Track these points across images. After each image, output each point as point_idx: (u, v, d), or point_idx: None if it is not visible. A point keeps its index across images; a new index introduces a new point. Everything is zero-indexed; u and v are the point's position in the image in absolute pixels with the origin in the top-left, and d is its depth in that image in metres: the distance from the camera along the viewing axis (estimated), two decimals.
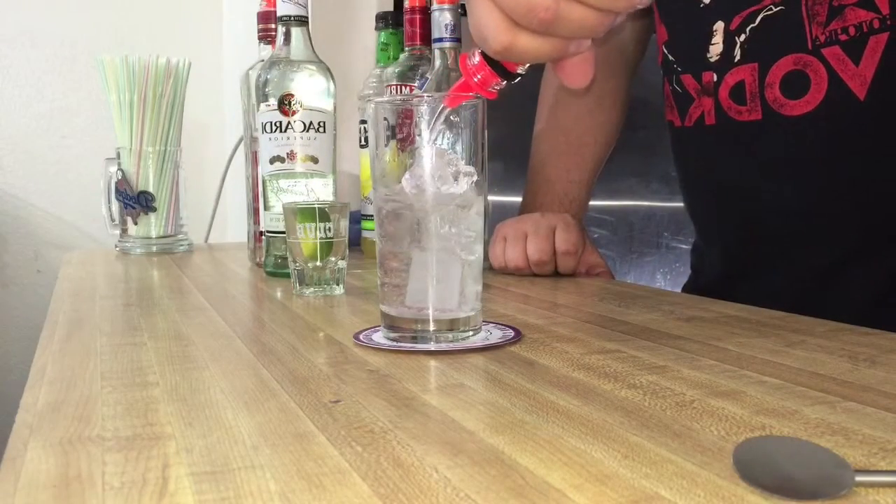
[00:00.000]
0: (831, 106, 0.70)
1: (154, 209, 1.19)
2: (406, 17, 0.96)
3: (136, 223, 1.19)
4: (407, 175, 0.52)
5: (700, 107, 0.81)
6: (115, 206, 1.21)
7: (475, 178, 0.53)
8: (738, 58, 0.75)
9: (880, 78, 0.67)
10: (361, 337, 0.56)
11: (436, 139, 0.52)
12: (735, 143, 0.78)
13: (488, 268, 0.89)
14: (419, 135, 0.52)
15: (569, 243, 0.86)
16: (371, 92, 1.07)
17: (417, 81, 0.94)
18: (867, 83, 0.67)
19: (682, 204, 0.96)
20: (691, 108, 0.82)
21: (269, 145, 0.87)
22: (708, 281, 0.90)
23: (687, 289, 0.96)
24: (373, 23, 1.11)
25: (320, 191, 0.88)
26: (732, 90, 0.76)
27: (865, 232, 0.74)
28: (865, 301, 0.74)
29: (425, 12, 0.94)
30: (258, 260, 0.98)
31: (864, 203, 0.73)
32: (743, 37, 0.72)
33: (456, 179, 0.53)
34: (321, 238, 0.75)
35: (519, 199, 1.03)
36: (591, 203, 1.03)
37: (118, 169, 1.19)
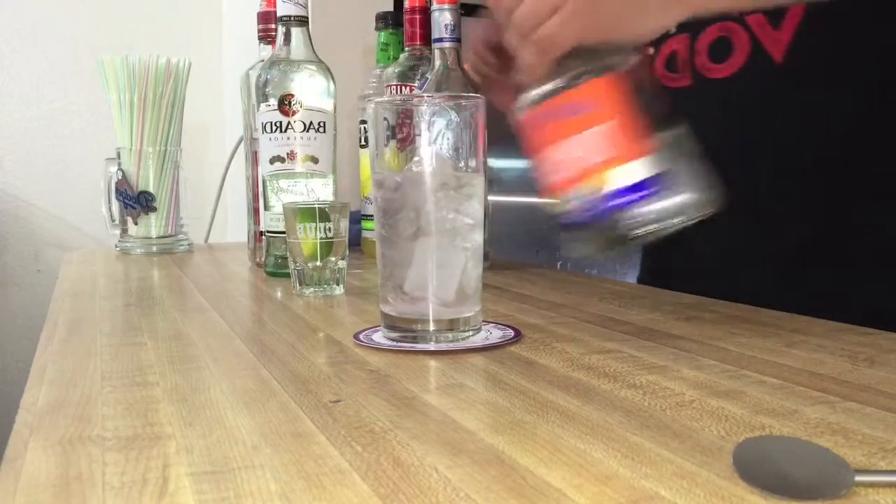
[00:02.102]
0: (751, 68, 0.75)
1: (154, 209, 1.19)
2: (406, 17, 0.96)
3: (136, 223, 1.19)
4: (409, 165, 0.52)
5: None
6: (116, 206, 1.21)
7: (475, 166, 0.53)
8: (673, 30, 0.78)
9: (796, 42, 0.71)
10: (361, 337, 0.56)
11: (436, 139, 0.52)
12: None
13: (489, 266, 0.89)
14: (419, 134, 0.52)
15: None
16: (371, 92, 1.07)
17: (417, 81, 0.94)
18: (784, 47, 0.72)
19: None
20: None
21: (269, 145, 0.87)
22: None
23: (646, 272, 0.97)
24: (373, 23, 1.11)
25: (320, 191, 0.88)
26: (667, 60, 0.82)
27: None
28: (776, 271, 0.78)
29: (425, 12, 0.94)
30: (258, 260, 0.98)
31: (784, 160, 0.77)
32: None
33: (456, 169, 0.53)
34: (321, 238, 0.75)
35: (519, 199, 1.03)
36: None
37: (118, 169, 1.19)
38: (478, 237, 0.54)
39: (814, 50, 0.71)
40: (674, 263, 0.87)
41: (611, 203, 0.53)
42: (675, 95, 0.80)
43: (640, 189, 0.52)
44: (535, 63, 0.58)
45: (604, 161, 0.53)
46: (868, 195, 0.73)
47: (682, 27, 0.76)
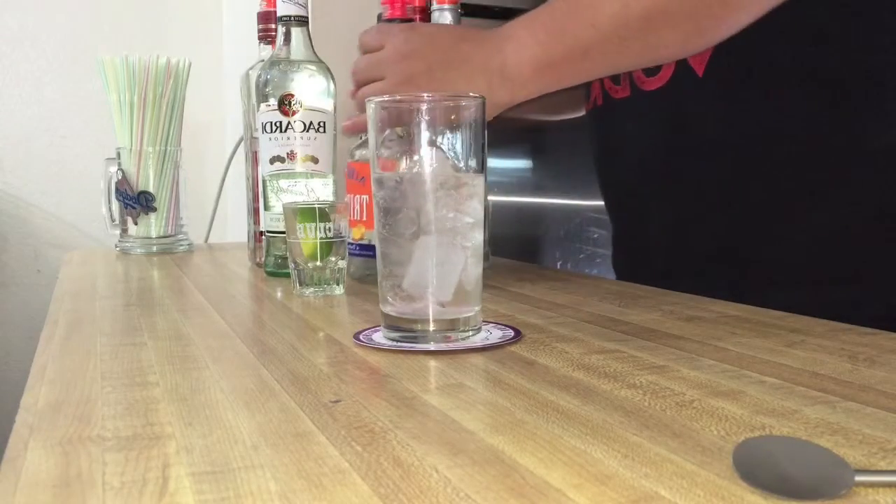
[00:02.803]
0: (677, 81, 0.78)
1: (154, 209, 1.19)
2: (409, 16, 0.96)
3: (136, 223, 1.19)
4: (408, 163, 0.53)
5: (593, 91, 0.91)
6: (116, 206, 1.21)
7: (476, 166, 0.54)
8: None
9: (715, 57, 0.75)
10: (361, 337, 0.56)
11: (436, 139, 0.52)
12: (614, 121, 0.88)
13: (489, 266, 0.89)
14: (418, 133, 0.52)
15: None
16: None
17: None
18: (705, 62, 0.76)
19: None
20: (591, 94, 0.92)
21: (269, 145, 0.87)
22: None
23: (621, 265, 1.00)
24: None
25: (320, 191, 0.88)
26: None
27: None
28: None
29: (425, 12, 0.94)
30: (258, 260, 0.98)
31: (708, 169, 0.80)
32: None
33: (456, 169, 0.53)
34: (321, 238, 0.75)
35: (519, 199, 1.03)
36: (591, 203, 1.03)
37: (118, 169, 1.19)
38: (478, 236, 0.54)
39: (730, 64, 0.75)
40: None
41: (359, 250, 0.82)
42: (619, 105, 0.86)
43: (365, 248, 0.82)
44: (353, 117, 0.72)
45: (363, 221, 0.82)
46: (786, 199, 0.76)
47: None
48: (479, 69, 0.75)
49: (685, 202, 0.83)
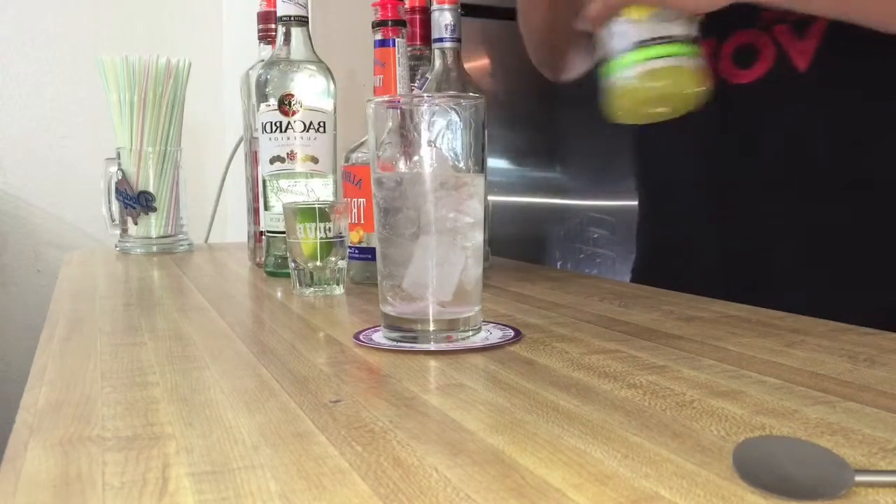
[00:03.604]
0: (775, 76, 0.76)
1: (154, 209, 1.19)
2: (406, 17, 0.96)
3: (136, 223, 1.19)
4: (409, 163, 0.53)
5: None
6: (116, 206, 1.21)
7: (475, 166, 0.54)
8: None
9: (821, 52, 0.73)
10: (361, 337, 0.56)
11: (436, 139, 0.52)
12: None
13: (489, 266, 0.89)
14: (418, 133, 0.52)
15: None
16: None
17: (417, 81, 0.94)
18: (810, 55, 0.73)
19: None
20: None
21: (269, 145, 0.87)
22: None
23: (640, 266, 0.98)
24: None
25: (320, 191, 0.88)
26: None
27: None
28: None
29: (425, 12, 0.94)
30: (258, 260, 0.98)
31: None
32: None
33: (456, 169, 0.53)
34: (321, 238, 0.75)
35: (518, 199, 1.03)
36: (591, 203, 1.03)
37: (118, 169, 1.19)
38: (478, 236, 0.54)
39: (838, 60, 0.72)
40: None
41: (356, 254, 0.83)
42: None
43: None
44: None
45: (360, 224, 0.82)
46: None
47: (709, 31, 0.76)
48: None
49: (764, 207, 0.79)
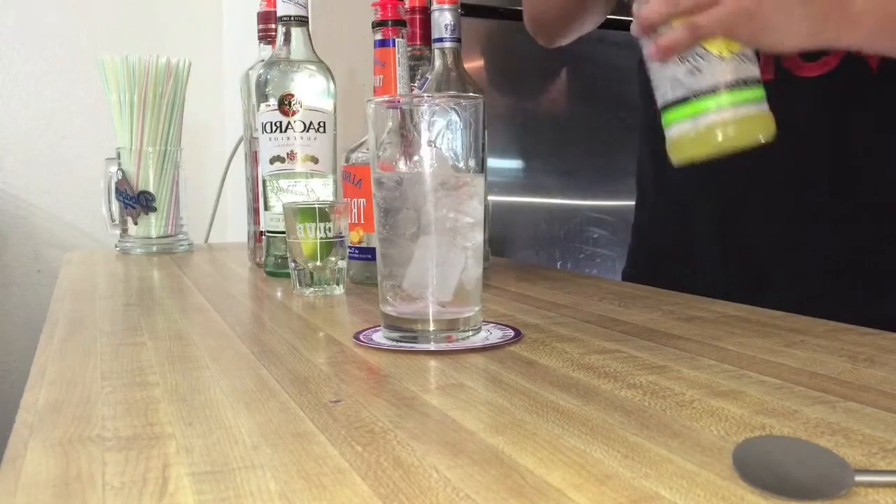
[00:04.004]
0: (845, 71, 0.73)
1: (154, 209, 1.19)
2: (406, 17, 0.96)
3: (136, 223, 1.19)
4: (409, 162, 0.53)
5: None
6: (116, 206, 1.21)
7: (475, 166, 0.54)
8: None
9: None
10: (361, 337, 0.56)
11: (436, 139, 0.52)
12: None
13: (489, 266, 0.89)
14: (418, 133, 0.52)
15: None
16: None
17: (417, 81, 0.94)
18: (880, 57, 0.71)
19: None
20: None
21: (269, 145, 0.87)
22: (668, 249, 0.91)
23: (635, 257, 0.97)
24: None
25: (320, 191, 0.88)
26: None
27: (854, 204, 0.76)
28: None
29: (425, 12, 0.94)
30: (258, 260, 0.98)
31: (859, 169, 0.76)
32: None
33: (456, 169, 0.53)
34: (321, 238, 0.75)
35: (518, 199, 1.03)
36: (591, 203, 1.03)
37: (118, 169, 1.19)
38: (478, 236, 0.54)
39: None
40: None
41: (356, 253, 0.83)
42: None
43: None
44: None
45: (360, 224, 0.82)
46: None
47: None
48: None
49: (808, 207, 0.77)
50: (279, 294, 0.79)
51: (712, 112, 0.58)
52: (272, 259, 0.90)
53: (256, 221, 1.00)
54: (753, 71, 0.59)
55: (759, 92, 0.59)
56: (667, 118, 0.61)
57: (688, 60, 0.59)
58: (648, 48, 0.60)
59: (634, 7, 0.61)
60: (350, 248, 0.82)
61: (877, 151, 0.74)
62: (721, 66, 0.58)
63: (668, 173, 0.85)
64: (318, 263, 0.76)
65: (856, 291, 0.75)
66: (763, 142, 0.58)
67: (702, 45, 0.58)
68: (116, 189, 1.20)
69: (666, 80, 0.60)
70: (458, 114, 0.53)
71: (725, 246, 0.82)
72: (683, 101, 0.59)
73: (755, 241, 0.80)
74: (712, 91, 0.58)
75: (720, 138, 0.58)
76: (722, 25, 0.57)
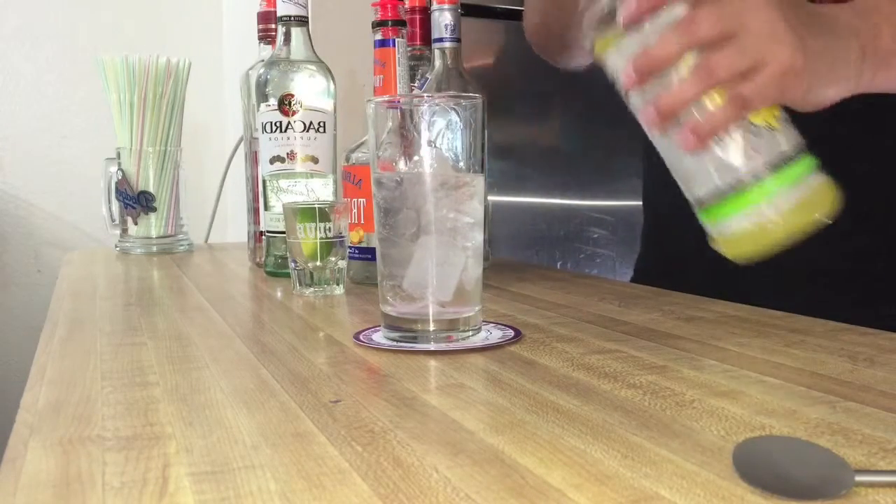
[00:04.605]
0: None
1: (154, 209, 1.19)
2: (406, 17, 0.96)
3: (136, 223, 1.19)
4: (409, 162, 0.53)
5: None
6: (116, 206, 1.21)
7: (475, 166, 0.54)
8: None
9: None
10: (361, 337, 0.56)
11: (436, 139, 0.53)
12: None
13: (489, 266, 0.89)
14: (418, 133, 0.52)
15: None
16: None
17: (417, 81, 0.94)
18: None
19: None
20: None
21: (269, 145, 0.87)
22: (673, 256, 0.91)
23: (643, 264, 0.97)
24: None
25: (320, 191, 0.88)
26: None
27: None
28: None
29: (425, 12, 0.94)
30: (258, 260, 0.98)
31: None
32: None
33: (456, 169, 0.53)
34: (321, 238, 0.75)
35: (518, 199, 1.03)
36: (591, 203, 1.02)
37: (118, 169, 1.19)
38: (478, 236, 0.54)
39: None
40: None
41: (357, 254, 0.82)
42: None
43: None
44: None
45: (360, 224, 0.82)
46: None
47: None
48: (850, 37, 0.55)
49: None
50: (279, 294, 0.79)
51: (779, 195, 0.48)
52: (272, 259, 0.90)
53: (256, 221, 1.00)
54: (797, 135, 0.50)
55: (811, 157, 0.50)
56: (715, 213, 0.51)
57: (732, 141, 0.49)
58: (673, 136, 0.50)
59: (636, 96, 0.51)
60: (350, 248, 0.82)
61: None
62: (774, 139, 0.49)
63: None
64: (318, 263, 0.76)
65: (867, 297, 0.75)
66: (834, 211, 0.50)
67: (747, 119, 0.49)
68: (116, 189, 1.20)
69: (703, 169, 0.50)
70: (458, 114, 0.53)
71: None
72: (735, 190, 0.49)
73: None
74: (772, 170, 0.48)
75: (796, 221, 0.48)
76: (772, 91, 0.49)
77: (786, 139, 0.50)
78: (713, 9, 0.50)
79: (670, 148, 0.52)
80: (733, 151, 0.49)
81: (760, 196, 0.49)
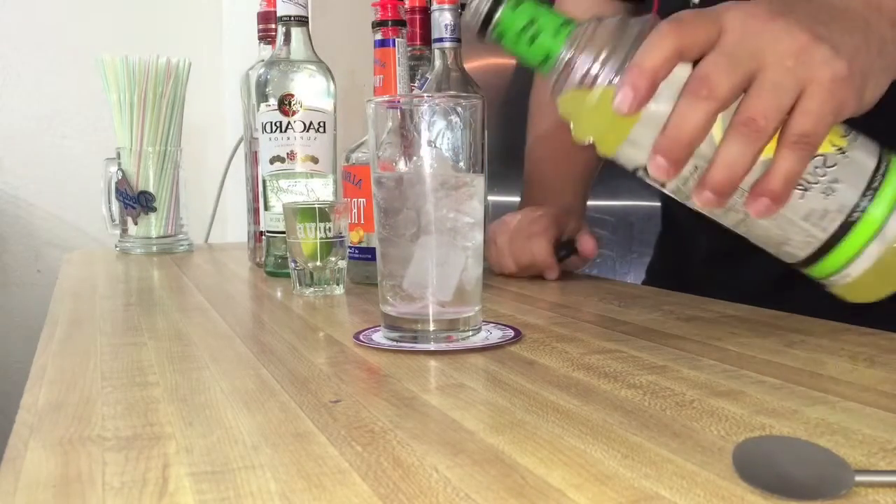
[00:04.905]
0: None
1: (154, 209, 1.19)
2: (406, 17, 0.96)
3: (136, 223, 1.19)
4: (409, 162, 0.53)
5: None
6: (116, 206, 1.21)
7: (475, 166, 0.54)
8: None
9: None
10: (361, 337, 0.56)
11: (436, 139, 0.53)
12: None
13: (488, 269, 0.89)
14: (418, 133, 0.52)
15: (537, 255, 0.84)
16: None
17: (417, 81, 0.94)
18: None
19: None
20: None
21: (269, 145, 0.87)
22: (682, 266, 0.91)
23: (653, 273, 0.98)
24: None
25: (320, 191, 0.88)
26: None
27: None
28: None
29: (425, 12, 0.94)
30: (258, 260, 0.98)
31: None
32: None
33: (456, 169, 0.53)
34: (321, 238, 0.75)
35: (518, 199, 1.03)
36: (591, 203, 1.03)
37: (118, 169, 1.19)
38: (478, 236, 0.54)
39: None
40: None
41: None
42: None
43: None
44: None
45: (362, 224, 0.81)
46: None
47: None
48: (867, 19, 0.48)
49: None
50: (279, 294, 0.79)
51: (892, 215, 0.44)
52: (272, 259, 0.90)
53: (256, 221, 1.00)
54: (871, 142, 0.46)
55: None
56: (828, 266, 0.46)
57: (812, 185, 0.44)
58: (745, 209, 0.44)
59: (673, 183, 0.46)
60: (350, 248, 0.82)
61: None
62: (854, 161, 0.44)
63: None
64: (318, 263, 0.76)
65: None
66: None
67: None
68: (116, 189, 1.20)
69: (795, 228, 0.45)
70: (458, 114, 0.53)
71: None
72: (842, 234, 0.44)
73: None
74: (870, 194, 0.43)
75: None
76: (828, 112, 0.43)
77: (865, 153, 0.44)
78: (719, 58, 0.43)
79: (746, 222, 0.47)
80: (818, 195, 0.44)
81: (872, 227, 0.43)
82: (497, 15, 0.49)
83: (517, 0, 0.49)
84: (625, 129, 0.45)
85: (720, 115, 0.43)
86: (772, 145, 0.43)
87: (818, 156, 0.43)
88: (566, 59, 0.47)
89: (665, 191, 0.48)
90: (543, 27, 0.48)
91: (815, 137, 0.43)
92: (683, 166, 0.44)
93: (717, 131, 0.43)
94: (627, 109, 0.43)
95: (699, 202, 0.45)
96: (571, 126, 0.48)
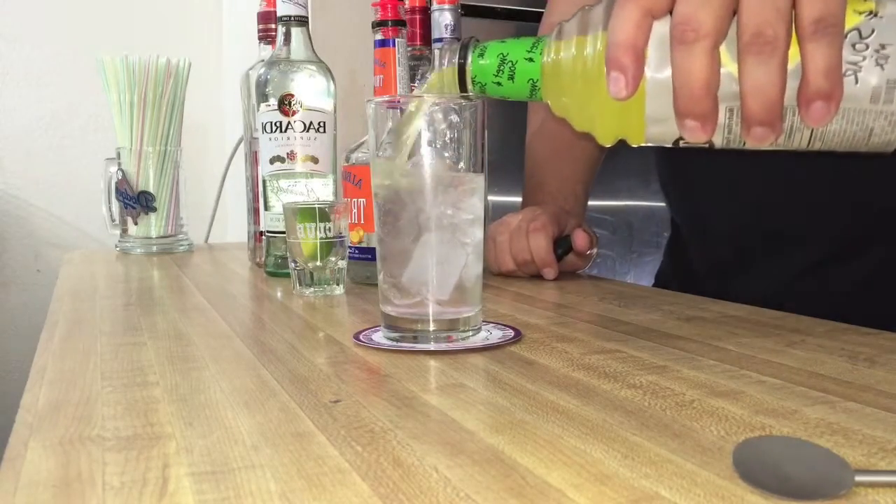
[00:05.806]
0: None
1: (154, 209, 1.19)
2: (406, 17, 0.96)
3: (136, 223, 1.19)
4: (409, 161, 0.53)
5: None
6: (116, 206, 1.21)
7: (475, 166, 0.54)
8: None
9: None
10: (361, 337, 0.56)
11: (436, 139, 0.53)
12: None
13: (487, 269, 0.89)
14: (419, 134, 0.52)
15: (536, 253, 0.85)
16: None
17: (417, 81, 0.94)
18: None
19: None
20: None
21: (269, 145, 0.87)
22: (688, 273, 0.92)
23: (664, 279, 0.98)
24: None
25: (320, 191, 0.88)
26: None
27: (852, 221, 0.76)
28: (841, 294, 0.77)
29: (425, 12, 0.94)
30: (258, 260, 0.98)
31: (847, 193, 0.75)
32: None
33: (457, 169, 0.53)
34: (321, 238, 0.75)
35: (518, 199, 1.03)
36: (591, 203, 1.03)
37: (118, 169, 1.19)
38: (478, 233, 0.54)
39: None
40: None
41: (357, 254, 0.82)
42: None
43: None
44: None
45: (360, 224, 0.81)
46: None
47: None
48: None
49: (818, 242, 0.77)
50: (279, 294, 0.79)
51: None
52: (272, 259, 0.90)
53: (256, 221, 1.01)
54: None
55: None
56: None
57: (861, 63, 0.39)
58: (803, 124, 0.41)
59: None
60: (350, 248, 0.82)
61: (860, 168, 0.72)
62: (889, 18, 0.39)
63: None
64: (318, 263, 0.76)
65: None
66: None
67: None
68: (116, 189, 1.20)
69: (868, 113, 0.41)
70: (458, 114, 0.53)
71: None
72: None
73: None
74: None
75: None
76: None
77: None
78: None
79: (816, 135, 0.42)
80: (873, 69, 0.39)
81: None
82: (468, 71, 0.50)
83: (481, 48, 0.49)
84: (639, 112, 0.43)
85: (724, 48, 0.39)
86: (795, 49, 0.38)
87: (850, 31, 0.39)
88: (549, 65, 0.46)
89: (717, 147, 0.44)
90: (516, 58, 0.48)
91: (834, 17, 0.38)
92: (715, 118, 0.40)
93: (731, 65, 0.39)
94: (625, 91, 0.41)
95: (755, 141, 0.41)
96: (595, 136, 0.47)
